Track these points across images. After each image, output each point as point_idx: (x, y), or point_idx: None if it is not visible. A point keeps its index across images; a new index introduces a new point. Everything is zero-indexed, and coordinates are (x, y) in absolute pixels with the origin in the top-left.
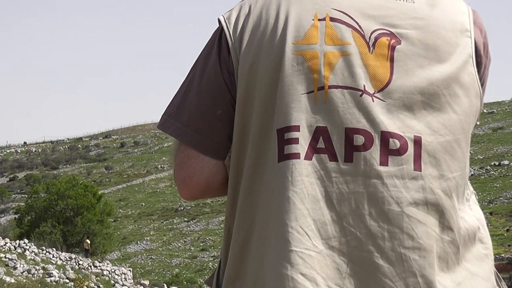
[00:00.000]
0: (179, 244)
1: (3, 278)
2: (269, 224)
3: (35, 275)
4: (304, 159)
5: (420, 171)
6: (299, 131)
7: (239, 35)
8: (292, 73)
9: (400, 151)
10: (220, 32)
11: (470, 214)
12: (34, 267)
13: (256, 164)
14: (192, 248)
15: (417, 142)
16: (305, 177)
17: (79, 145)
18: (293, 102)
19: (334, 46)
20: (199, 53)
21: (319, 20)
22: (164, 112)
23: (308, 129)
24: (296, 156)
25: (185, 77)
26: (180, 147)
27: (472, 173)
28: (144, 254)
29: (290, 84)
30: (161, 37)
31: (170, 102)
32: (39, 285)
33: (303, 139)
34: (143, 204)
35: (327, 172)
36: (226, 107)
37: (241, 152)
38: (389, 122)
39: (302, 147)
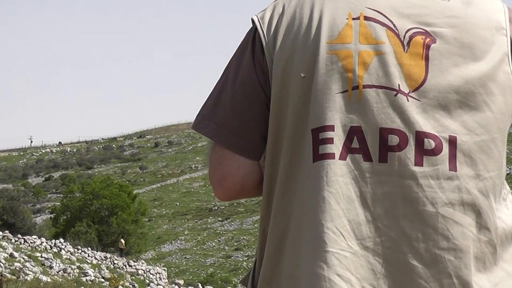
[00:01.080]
0: (213, 244)
1: (39, 277)
2: (305, 224)
3: (71, 274)
4: (339, 159)
5: (456, 171)
6: (333, 131)
7: (273, 34)
8: (326, 73)
9: (435, 151)
10: (254, 32)
11: (507, 213)
12: (70, 267)
13: (291, 164)
14: (226, 248)
15: (452, 142)
16: (340, 177)
17: (113, 145)
18: (327, 101)
19: (368, 45)
20: (233, 53)
21: (353, 19)
22: (199, 113)
23: (342, 129)
24: (331, 156)
25: (219, 78)
26: (215, 148)
27: (508, 172)
28: (179, 253)
29: (324, 84)
30: (197, 37)
31: (204, 103)
32: (75, 285)
33: (338, 139)
34: (177, 203)
35: (362, 172)
36: (260, 107)
37: (276, 152)
38: (424, 122)
39: (336, 147)
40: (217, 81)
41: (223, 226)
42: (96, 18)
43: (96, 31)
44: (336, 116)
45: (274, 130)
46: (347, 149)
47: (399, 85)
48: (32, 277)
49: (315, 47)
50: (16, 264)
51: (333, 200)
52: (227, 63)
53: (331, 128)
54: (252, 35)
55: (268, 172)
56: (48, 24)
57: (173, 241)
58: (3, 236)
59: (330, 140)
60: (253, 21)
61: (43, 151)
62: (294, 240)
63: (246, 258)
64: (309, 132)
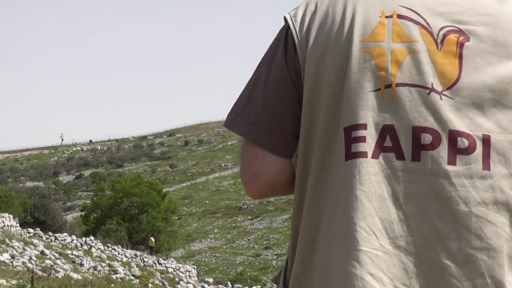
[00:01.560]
0: (242, 242)
1: (70, 274)
2: (337, 223)
3: (101, 272)
4: (371, 157)
5: (489, 170)
6: (366, 129)
7: (306, 33)
8: (359, 71)
9: (469, 150)
10: (286, 30)
11: None
12: (100, 264)
13: (322, 162)
14: (256, 246)
15: (486, 140)
16: (372, 176)
17: (143, 143)
18: (360, 100)
19: (401, 44)
20: (265, 51)
21: (386, 17)
22: (230, 110)
23: (375, 127)
24: (363, 154)
25: (251, 75)
26: (247, 146)
27: None
28: (208, 252)
29: (357, 82)
30: (227, 35)
31: (236, 101)
32: (105, 282)
33: (370, 137)
34: (207, 202)
35: (394, 171)
36: (292, 105)
37: (308, 150)
38: (458, 120)
39: (369, 146)
40: (249, 79)
41: (253, 225)
42: (124, 16)
43: (129, 28)
44: (369, 115)
45: (306, 128)
46: (380, 148)
47: (432, 83)
48: (63, 274)
49: (347, 45)
50: (47, 261)
51: (366, 199)
52: (259, 61)
53: (364, 126)
54: (284, 33)
55: (300, 170)
56: (76, 25)
57: (202, 239)
58: (34, 234)
59: (363, 139)
60: (285, 19)
61: (74, 149)
62: (326, 238)
63: (275, 257)
64: (341, 130)
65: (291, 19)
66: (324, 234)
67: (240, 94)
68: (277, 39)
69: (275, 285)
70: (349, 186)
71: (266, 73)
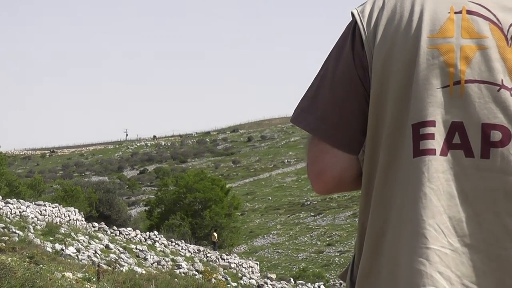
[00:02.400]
0: (305, 239)
1: (134, 268)
2: (405, 220)
3: (165, 266)
4: (440, 155)
5: None
6: (434, 126)
7: (373, 28)
8: (427, 67)
9: None
10: (353, 26)
11: None
12: (163, 259)
13: (390, 159)
14: (319, 243)
15: None
16: (441, 174)
17: (207, 139)
18: (428, 96)
19: (470, 40)
20: (332, 47)
21: (455, 13)
22: (297, 106)
23: (443, 124)
24: (432, 152)
25: (318, 71)
26: (314, 141)
27: None
28: (271, 248)
29: (425, 78)
30: (293, 32)
31: (303, 96)
32: (169, 277)
33: (439, 134)
34: (270, 198)
35: (463, 169)
36: (359, 101)
37: (375, 146)
38: None
39: (437, 143)
40: (315, 74)
41: (316, 221)
42: (194, 13)
43: (193, 24)
44: (437, 112)
45: (373, 124)
46: (448, 145)
47: (502, 80)
48: (127, 269)
49: (415, 42)
50: (111, 255)
51: (434, 197)
52: (326, 57)
53: (432, 123)
54: (351, 29)
55: (367, 167)
56: (150, 24)
57: (265, 235)
58: (99, 228)
59: (431, 136)
60: (352, 14)
61: (138, 144)
62: (394, 235)
63: (338, 254)
64: (409, 127)
65: (359, 14)
66: (392, 231)
67: (307, 90)
68: (345, 35)
69: (339, 281)
70: (417, 183)
71: (333, 69)
